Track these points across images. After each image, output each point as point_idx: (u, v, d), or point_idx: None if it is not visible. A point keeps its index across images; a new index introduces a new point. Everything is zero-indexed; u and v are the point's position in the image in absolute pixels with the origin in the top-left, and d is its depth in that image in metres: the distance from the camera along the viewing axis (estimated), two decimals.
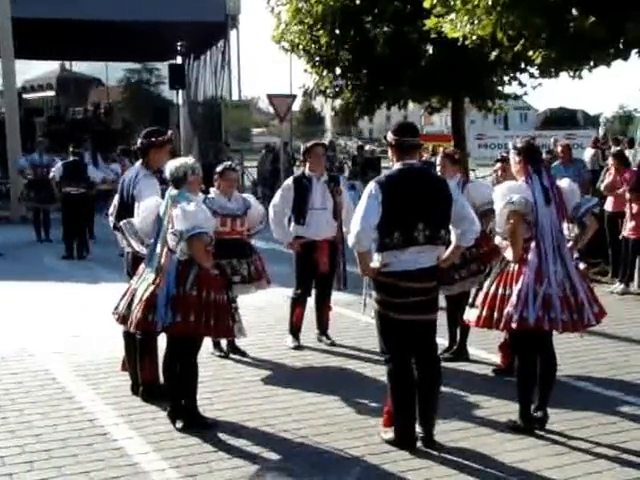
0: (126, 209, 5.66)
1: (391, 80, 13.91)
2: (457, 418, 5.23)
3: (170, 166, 5.13)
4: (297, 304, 7.16)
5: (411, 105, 17.93)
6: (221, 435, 4.98)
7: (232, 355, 6.82)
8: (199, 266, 4.95)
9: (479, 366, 6.47)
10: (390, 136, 4.80)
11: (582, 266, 5.72)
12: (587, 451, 4.72)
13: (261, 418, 5.29)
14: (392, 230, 4.62)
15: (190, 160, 5.23)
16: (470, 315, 5.17)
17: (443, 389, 5.05)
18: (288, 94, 22.02)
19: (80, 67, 40.86)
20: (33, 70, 39.70)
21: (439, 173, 6.35)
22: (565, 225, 5.10)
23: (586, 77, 13.38)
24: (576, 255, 5.40)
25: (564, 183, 5.15)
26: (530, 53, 9.37)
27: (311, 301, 7.28)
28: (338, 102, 16.22)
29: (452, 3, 9.49)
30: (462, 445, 4.79)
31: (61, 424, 5.18)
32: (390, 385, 4.79)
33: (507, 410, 5.27)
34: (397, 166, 4.77)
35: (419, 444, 4.73)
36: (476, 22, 9.18)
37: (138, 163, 5.93)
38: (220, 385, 6.02)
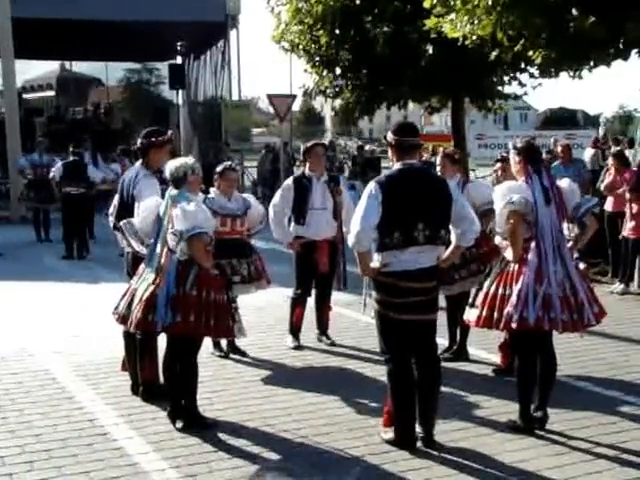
0: (126, 209, 5.66)
1: (391, 80, 13.91)
2: (457, 418, 5.23)
3: (170, 166, 5.13)
4: (297, 304, 7.16)
5: (411, 105, 17.94)
6: (221, 435, 4.98)
7: (232, 355, 6.82)
8: (199, 266, 4.95)
9: (479, 366, 6.47)
10: (390, 136, 4.80)
11: (582, 266, 5.72)
12: (587, 451, 4.72)
13: (261, 418, 5.29)
14: (392, 230, 4.61)
15: (190, 160, 5.23)
16: (470, 315, 5.17)
17: (443, 389, 5.05)
18: (288, 94, 22.02)
19: (80, 67, 40.87)
20: (33, 70, 39.72)
21: (439, 173, 6.35)
22: (565, 225, 5.10)
23: (586, 77, 13.39)
24: (576, 255, 5.40)
25: (564, 183, 5.16)
26: (530, 53, 9.37)
27: (311, 301, 7.28)
28: (338, 102, 16.22)
29: (452, 3, 9.49)
30: (462, 445, 4.79)
31: (61, 424, 5.18)
32: (390, 385, 4.79)
33: (507, 410, 5.27)
34: (397, 166, 4.77)
35: (419, 444, 4.73)
36: (476, 22, 9.18)
37: (138, 163, 5.93)
38: (220, 385, 6.02)
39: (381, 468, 4.50)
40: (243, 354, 6.83)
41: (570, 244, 5.11)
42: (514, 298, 4.82)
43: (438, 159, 6.77)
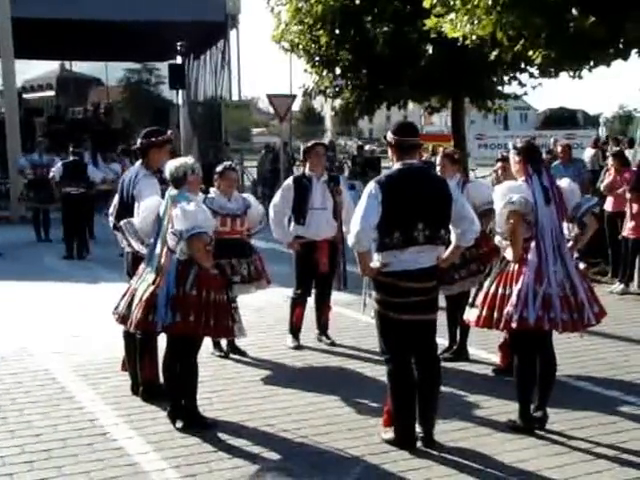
0: (126, 209, 5.66)
1: (391, 80, 13.91)
2: (457, 418, 5.23)
3: (170, 166, 5.13)
4: (297, 304, 7.16)
5: (411, 105, 17.95)
6: (221, 435, 4.98)
7: (232, 355, 6.82)
8: (199, 266, 4.95)
9: (479, 366, 6.47)
10: (390, 136, 4.80)
11: (582, 266, 5.73)
12: (587, 451, 4.72)
13: (261, 418, 5.29)
14: (392, 230, 4.61)
15: (190, 160, 5.23)
16: (470, 315, 5.17)
17: (443, 389, 5.06)
18: (288, 94, 22.01)
19: (80, 67, 40.89)
20: (33, 70, 39.76)
21: (439, 173, 6.35)
22: (565, 225, 5.11)
23: (586, 77, 13.37)
24: (576, 255, 5.40)
25: (564, 183, 5.16)
26: (530, 53, 9.37)
27: (311, 301, 7.28)
28: (338, 102, 16.21)
29: (452, 3, 9.49)
30: (462, 445, 4.79)
31: (61, 424, 5.18)
32: (390, 385, 4.79)
33: (507, 410, 5.26)
34: (397, 166, 4.77)
35: (419, 444, 4.73)
36: (476, 22, 9.18)
37: (138, 163, 5.93)
38: (220, 385, 6.02)
39: (381, 468, 4.50)
40: (243, 354, 6.83)
41: (570, 244, 5.11)
42: (514, 298, 4.82)
43: (438, 159, 6.77)
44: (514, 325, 4.82)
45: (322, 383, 6.05)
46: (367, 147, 25.87)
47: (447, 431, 4.97)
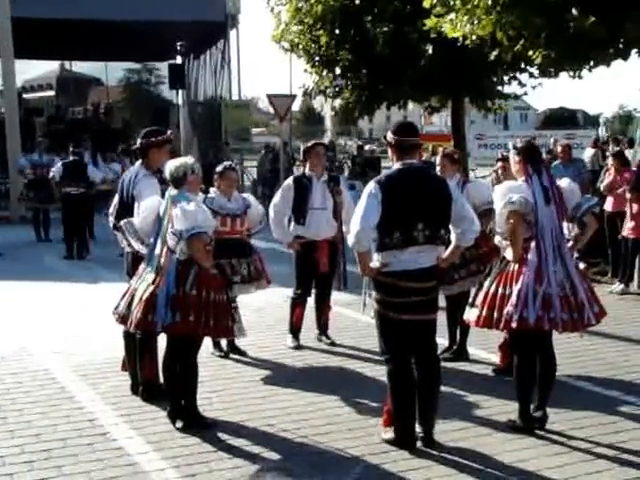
0: (126, 209, 5.66)
1: (391, 80, 13.91)
2: (457, 418, 5.23)
3: (170, 166, 5.13)
4: (297, 304, 7.16)
5: (411, 105, 17.94)
6: (221, 435, 4.98)
7: (232, 355, 6.82)
8: (199, 266, 4.95)
9: (479, 366, 6.47)
10: (390, 136, 4.80)
11: (582, 266, 5.72)
12: (587, 451, 4.72)
13: (261, 418, 5.29)
14: (392, 230, 4.61)
15: (190, 160, 5.23)
16: (470, 315, 5.16)
17: (443, 389, 5.06)
18: (288, 94, 22.01)
19: (80, 67, 40.83)
20: (33, 70, 39.70)
21: (439, 173, 6.35)
22: (565, 225, 5.11)
23: (586, 77, 13.37)
24: (576, 255, 5.40)
25: (564, 183, 5.16)
26: (530, 53, 9.37)
27: (311, 301, 7.28)
28: (338, 102, 16.21)
29: (452, 3, 9.49)
30: (462, 445, 4.79)
31: (61, 424, 5.18)
32: (390, 385, 4.79)
33: (507, 410, 5.26)
34: (397, 166, 4.77)
35: (419, 444, 4.73)
36: (476, 22, 9.18)
37: (138, 163, 5.93)
38: (220, 385, 6.02)
39: (381, 468, 4.50)
40: (243, 354, 6.83)
41: (570, 244, 5.11)
42: (514, 298, 4.82)
43: (438, 159, 6.76)
44: (514, 325, 4.82)
45: (322, 383, 6.05)
46: (367, 147, 25.83)
47: (447, 431, 4.97)
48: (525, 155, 5.00)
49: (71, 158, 13.71)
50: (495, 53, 10.04)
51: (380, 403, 5.19)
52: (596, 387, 5.97)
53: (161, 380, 5.45)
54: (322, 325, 7.30)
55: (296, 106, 46.16)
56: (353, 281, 7.15)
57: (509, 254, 4.97)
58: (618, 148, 13.13)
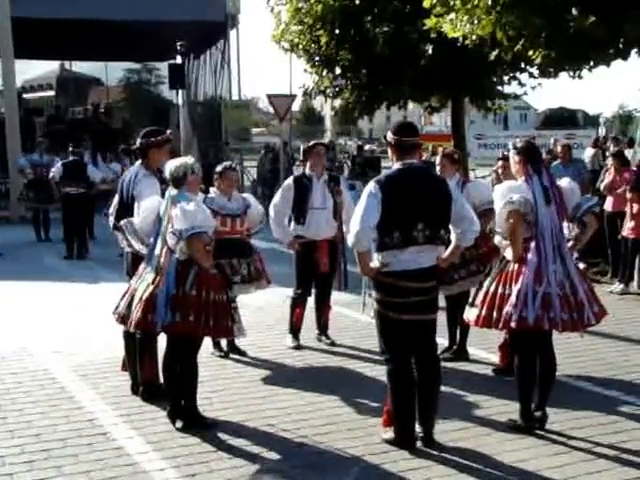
0: (126, 209, 5.66)
1: (391, 80, 13.90)
2: (457, 418, 5.23)
3: (170, 166, 5.13)
4: (297, 304, 7.16)
5: (411, 105, 17.93)
6: (221, 435, 4.98)
7: (232, 355, 6.82)
8: (199, 266, 4.95)
9: (479, 366, 6.47)
10: (390, 136, 4.80)
11: (582, 266, 5.73)
12: (587, 451, 4.72)
13: (261, 418, 5.29)
14: (392, 230, 4.61)
15: (190, 160, 5.23)
16: (470, 314, 5.17)
17: (443, 389, 5.06)
18: (288, 94, 22.00)
19: (80, 67, 40.80)
20: (33, 70, 39.65)
21: (439, 173, 6.35)
22: (565, 225, 5.11)
23: (586, 77, 13.40)
24: (576, 255, 5.40)
25: (564, 182, 5.16)
26: (530, 53, 9.36)
27: (311, 301, 7.28)
28: (338, 102, 16.21)
29: (452, 3, 9.48)
30: (462, 445, 4.79)
31: (61, 424, 5.18)
32: (390, 385, 4.79)
33: (507, 410, 5.27)
34: (397, 166, 4.77)
35: (419, 444, 4.73)
36: (476, 22, 9.17)
37: (138, 163, 5.93)
38: (220, 385, 6.02)
39: (381, 468, 4.50)
40: (243, 354, 6.83)
41: (570, 244, 5.11)
42: (513, 298, 4.82)
43: (438, 159, 6.77)
44: (513, 325, 4.82)
45: (322, 383, 6.05)
46: (367, 147, 25.86)
47: (447, 431, 4.97)
48: (525, 155, 5.00)
49: (71, 158, 13.71)
50: (495, 53, 10.04)
51: (380, 403, 5.19)
52: (596, 387, 5.97)
53: (161, 380, 5.45)
54: (322, 325, 7.30)
55: (296, 106, 46.23)
56: (353, 281, 7.15)
57: (509, 254, 4.97)
58: (618, 148, 13.12)
